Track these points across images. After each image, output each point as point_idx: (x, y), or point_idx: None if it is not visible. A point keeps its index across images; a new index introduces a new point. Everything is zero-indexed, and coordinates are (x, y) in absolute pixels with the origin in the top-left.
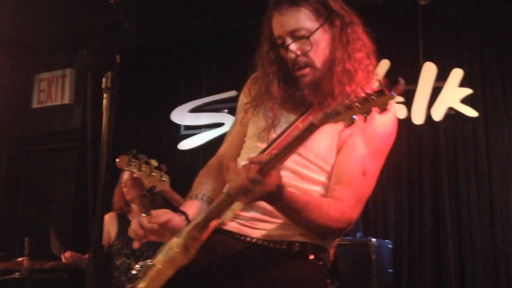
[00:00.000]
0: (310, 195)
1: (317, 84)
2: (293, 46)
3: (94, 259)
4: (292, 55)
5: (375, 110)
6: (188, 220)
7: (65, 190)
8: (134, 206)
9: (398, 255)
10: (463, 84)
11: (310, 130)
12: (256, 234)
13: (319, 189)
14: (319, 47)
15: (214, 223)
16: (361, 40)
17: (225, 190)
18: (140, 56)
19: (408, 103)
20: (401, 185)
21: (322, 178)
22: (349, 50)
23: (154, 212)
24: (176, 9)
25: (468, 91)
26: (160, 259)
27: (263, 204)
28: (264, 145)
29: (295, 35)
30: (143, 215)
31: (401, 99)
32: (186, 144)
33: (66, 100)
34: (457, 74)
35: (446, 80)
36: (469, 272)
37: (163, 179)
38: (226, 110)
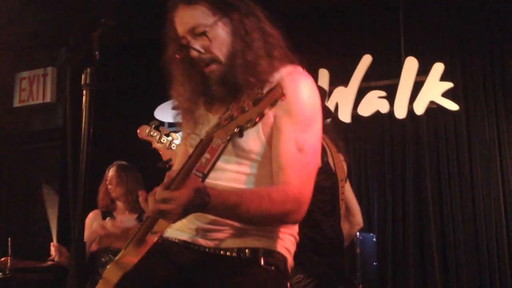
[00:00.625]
0: (245, 188)
1: (224, 78)
2: (193, 43)
3: (75, 257)
4: (195, 53)
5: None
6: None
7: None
8: (119, 204)
9: (382, 248)
10: (444, 78)
11: (202, 146)
12: (209, 243)
13: (251, 185)
14: (219, 41)
15: (151, 239)
16: (260, 29)
17: None
18: (123, 53)
19: (391, 98)
20: (384, 179)
21: (254, 170)
22: (248, 41)
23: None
24: (160, 6)
25: (449, 85)
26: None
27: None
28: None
29: (195, 32)
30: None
31: (383, 93)
32: None
33: (48, 99)
34: (438, 68)
35: (428, 74)
36: (452, 263)
37: None
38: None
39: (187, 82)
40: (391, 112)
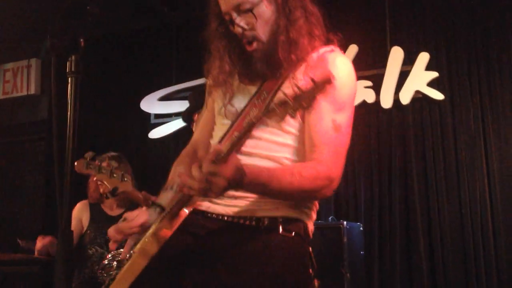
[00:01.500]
0: (275, 166)
1: (267, 56)
2: (239, 20)
3: (63, 248)
4: (239, 29)
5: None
6: (163, 211)
7: (35, 182)
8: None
9: (369, 237)
10: (429, 67)
11: (253, 126)
12: (228, 211)
13: (287, 154)
14: (263, 19)
15: (184, 212)
16: (302, 7)
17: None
18: (109, 44)
19: (377, 87)
20: (371, 168)
21: (289, 141)
22: (291, 19)
23: (129, 215)
24: None
25: (434, 74)
26: (135, 250)
27: None
28: (228, 121)
29: (240, 9)
30: (120, 219)
31: (369, 83)
32: (156, 133)
33: (32, 91)
34: (423, 58)
35: (413, 64)
36: (438, 251)
37: (125, 179)
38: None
39: (227, 55)
40: (377, 101)
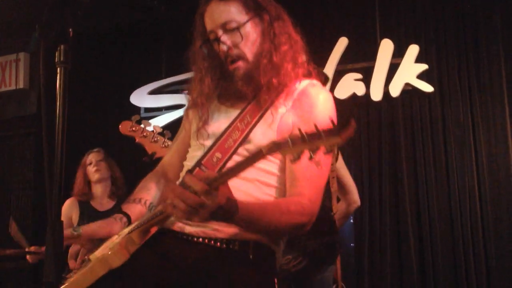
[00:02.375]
0: (265, 200)
1: (250, 76)
2: (224, 38)
3: (52, 241)
4: (224, 47)
5: (322, 149)
6: (129, 223)
7: (24, 178)
8: (98, 189)
9: (359, 230)
10: (419, 60)
11: (257, 157)
12: (198, 232)
13: (274, 182)
14: (249, 39)
15: (154, 229)
16: (287, 34)
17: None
18: (98, 38)
19: (367, 80)
20: (361, 161)
21: (274, 169)
22: (276, 43)
23: (84, 230)
24: None
25: (424, 66)
26: (95, 256)
27: None
28: (207, 142)
29: (226, 27)
30: (74, 232)
31: (359, 76)
32: None
33: (21, 85)
34: (413, 50)
35: (403, 56)
36: (427, 242)
37: (166, 145)
38: (186, 91)
39: (209, 76)
40: (367, 94)
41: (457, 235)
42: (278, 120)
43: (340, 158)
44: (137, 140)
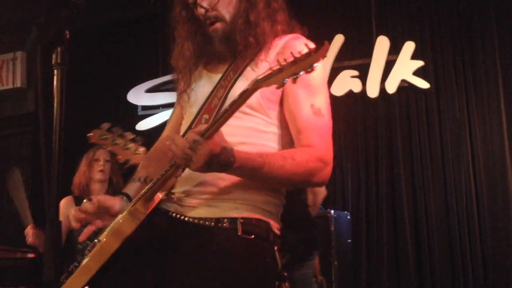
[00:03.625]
0: (268, 151)
1: (228, 37)
2: (201, 1)
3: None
4: (202, 10)
5: (303, 71)
6: (130, 200)
7: (21, 176)
8: (96, 188)
9: (356, 226)
10: (415, 56)
11: (244, 96)
12: (188, 212)
13: (269, 142)
14: (226, 0)
15: (158, 196)
16: None
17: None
18: (94, 36)
19: (363, 77)
20: (358, 157)
21: (271, 128)
22: (252, 2)
23: (95, 197)
24: None
25: (420, 63)
26: (104, 234)
27: (198, 177)
28: (193, 110)
29: None
30: (84, 201)
31: (355, 73)
32: (144, 125)
33: (18, 84)
34: (409, 47)
35: (399, 53)
36: (424, 238)
37: (139, 151)
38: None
39: (189, 40)
40: (363, 91)
41: (453, 228)
42: (260, 73)
43: None
44: (108, 148)
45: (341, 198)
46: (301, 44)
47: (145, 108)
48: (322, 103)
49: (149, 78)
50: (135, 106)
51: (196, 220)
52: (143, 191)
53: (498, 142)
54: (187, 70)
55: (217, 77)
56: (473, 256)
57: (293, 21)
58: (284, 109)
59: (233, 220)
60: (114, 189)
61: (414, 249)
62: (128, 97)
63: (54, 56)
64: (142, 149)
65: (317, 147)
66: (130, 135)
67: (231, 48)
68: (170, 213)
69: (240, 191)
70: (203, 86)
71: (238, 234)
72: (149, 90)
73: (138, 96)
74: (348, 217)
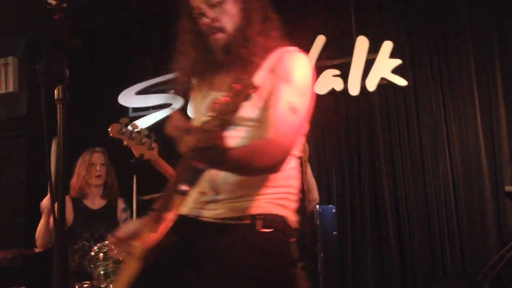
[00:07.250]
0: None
1: (229, 48)
2: (208, 12)
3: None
4: (207, 20)
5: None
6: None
7: (15, 179)
8: (92, 191)
9: (341, 219)
10: (393, 55)
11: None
12: (210, 214)
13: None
14: (229, 14)
15: (167, 216)
16: (263, 12)
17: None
18: (84, 38)
19: (344, 76)
20: (341, 153)
21: (250, 134)
22: (249, 20)
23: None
24: None
25: (398, 62)
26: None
27: (217, 183)
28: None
29: (210, 3)
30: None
31: (337, 72)
32: None
33: (11, 88)
34: (387, 46)
35: (378, 52)
36: (405, 228)
37: (152, 146)
38: (173, 91)
39: (192, 52)
40: (345, 89)
41: (432, 217)
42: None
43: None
44: (125, 143)
45: (326, 193)
46: (289, 59)
47: (136, 110)
48: (301, 103)
49: (139, 81)
50: (126, 108)
51: (217, 220)
52: (151, 216)
53: (473, 135)
54: (187, 78)
55: (214, 94)
56: (451, 241)
57: (285, 37)
58: (262, 101)
59: (253, 217)
60: (109, 191)
61: (396, 238)
62: (119, 99)
63: (56, 92)
64: (155, 145)
65: (279, 136)
66: (145, 131)
67: (231, 59)
68: (191, 216)
69: (257, 189)
70: (200, 103)
71: (258, 228)
72: (140, 92)
73: (128, 98)
74: (333, 210)
